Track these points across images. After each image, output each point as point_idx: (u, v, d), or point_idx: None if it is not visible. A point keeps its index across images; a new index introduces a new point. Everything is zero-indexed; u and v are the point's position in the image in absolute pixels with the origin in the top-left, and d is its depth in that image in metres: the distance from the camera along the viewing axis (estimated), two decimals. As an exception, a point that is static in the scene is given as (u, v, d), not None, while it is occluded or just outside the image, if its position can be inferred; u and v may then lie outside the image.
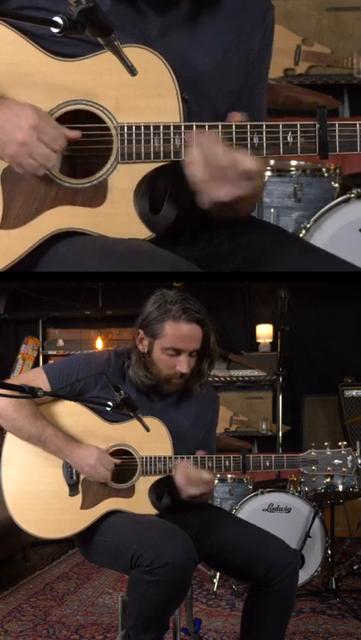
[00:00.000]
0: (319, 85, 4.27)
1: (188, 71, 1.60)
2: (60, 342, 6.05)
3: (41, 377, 1.99)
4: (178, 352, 1.95)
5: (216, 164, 1.51)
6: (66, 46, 1.55)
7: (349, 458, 1.94)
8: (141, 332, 1.99)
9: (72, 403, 2.00)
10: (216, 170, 1.52)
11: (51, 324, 6.12)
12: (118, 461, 1.95)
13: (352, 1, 4.30)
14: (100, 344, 5.84)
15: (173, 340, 1.94)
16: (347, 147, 1.56)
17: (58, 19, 1.29)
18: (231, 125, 1.56)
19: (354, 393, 5.24)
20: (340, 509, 3.60)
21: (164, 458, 1.96)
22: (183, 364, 1.95)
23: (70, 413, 2.00)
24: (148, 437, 1.95)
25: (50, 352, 6.04)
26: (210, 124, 1.55)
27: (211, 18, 1.67)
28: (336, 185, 3.34)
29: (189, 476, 1.92)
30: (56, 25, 1.29)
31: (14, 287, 5.85)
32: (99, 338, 5.91)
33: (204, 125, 1.55)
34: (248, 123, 1.56)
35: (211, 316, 2.01)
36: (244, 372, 5.39)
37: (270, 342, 5.64)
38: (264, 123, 1.56)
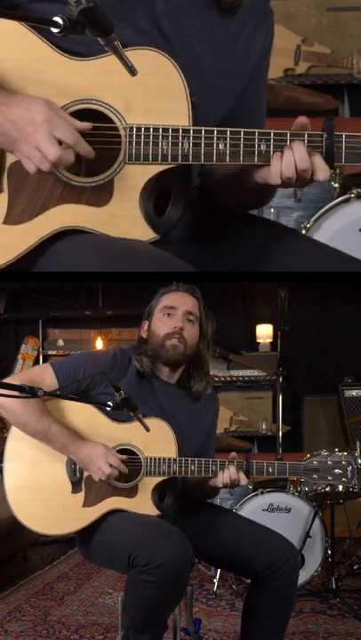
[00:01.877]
0: (319, 85, 4.27)
1: (192, 68, 1.61)
2: (60, 342, 6.05)
3: (48, 372, 2.00)
4: (173, 310, 2.05)
5: (298, 166, 1.54)
6: (79, 44, 1.55)
7: (349, 468, 1.97)
8: (146, 321, 2.10)
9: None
10: (293, 170, 1.55)
11: (51, 324, 6.13)
12: (124, 457, 1.95)
13: (352, 1, 4.31)
14: (100, 344, 5.85)
15: (167, 302, 2.07)
16: (352, 158, 1.56)
17: (58, 19, 1.29)
18: (239, 132, 1.56)
19: (354, 393, 5.24)
20: (340, 509, 3.60)
21: (169, 459, 1.96)
22: (178, 320, 2.05)
23: (77, 411, 2.00)
24: (154, 438, 1.95)
25: (50, 352, 6.06)
26: (218, 129, 1.56)
27: (214, 16, 1.68)
28: (336, 185, 3.34)
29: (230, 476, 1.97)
30: (56, 25, 1.29)
31: (14, 287, 5.85)
32: (99, 338, 5.91)
33: (213, 130, 1.55)
34: (256, 130, 1.56)
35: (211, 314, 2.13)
36: (244, 371, 5.39)
37: (270, 342, 5.65)
38: (272, 130, 1.56)
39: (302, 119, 1.57)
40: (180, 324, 2.04)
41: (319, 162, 1.54)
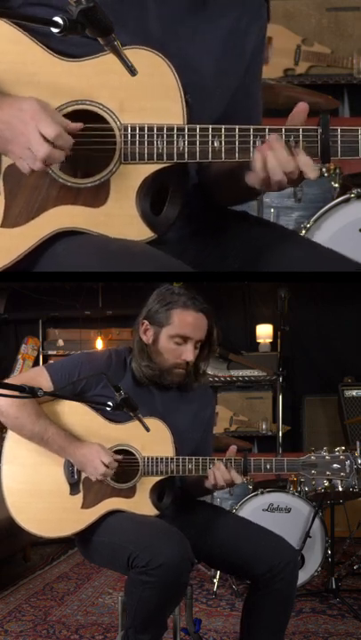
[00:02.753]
0: (319, 85, 4.27)
1: (188, 68, 1.61)
2: (60, 342, 6.05)
3: (43, 375, 1.99)
4: (185, 340, 1.97)
5: (283, 169, 1.53)
6: (72, 46, 1.55)
7: (348, 463, 1.97)
8: (146, 322, 2.02)
9: (74, 402, 2.00)
10: (281, 173, 1.53)
11: (51, 324, 6.13)
12: (120, 457, 1.95)
13: (352, 1, 4.31)
14: (100, 344, 5.85)
15: (181, 328, 1.97)
16: (348, 152, 1.56)
17: (58, 19, 1.29)
18: (234, 128, 1.56)
19: (354, 393, 5.24)
20: (341, 509, 3.60)
21: (166, 459, 1.96)
22: (189, 353, 1.98)
23: (73, 413, 2.00)
24: (151, 438, 1.95)
25: (50, 352, 6.05)
26: (213, 126, 1.56)
27: (207, 14, 1.68)
28: (336, 185, 3.35)
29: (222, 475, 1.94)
30: (56, 25, 1.29)
31: (14, 287, 5.85)
32: (99, 338, 5.91)
33: (208, 128, 1.55)
34: (251, 126, 1.56)
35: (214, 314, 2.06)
36: (244, 371, 5.38)
37: (270, 342, 5.64)
38: (267, 127, 1.56)
39: (303, 105, 1.57)
40: (191, 357, 1.98)
41: (304, 159, 1.53)
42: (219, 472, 1.93)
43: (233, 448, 1.99)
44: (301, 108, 1.56)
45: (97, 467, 1.91)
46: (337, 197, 3.19)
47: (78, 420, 2.00)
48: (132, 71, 1.40)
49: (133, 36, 1.57)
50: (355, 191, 3.11)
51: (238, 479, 1.94)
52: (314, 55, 4.31)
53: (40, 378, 1.98)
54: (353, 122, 4.33)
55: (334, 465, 1.97)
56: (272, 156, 1.52)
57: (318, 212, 3.14)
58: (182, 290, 1.99)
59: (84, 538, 2.00)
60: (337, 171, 3.34)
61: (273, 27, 4.11)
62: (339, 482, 3.20)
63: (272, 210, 3.37)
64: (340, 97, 4.37)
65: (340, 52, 4.31)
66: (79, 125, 1.53)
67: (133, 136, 1.55)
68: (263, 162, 1.53)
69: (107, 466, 1.91)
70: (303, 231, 3.12)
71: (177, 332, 1.97)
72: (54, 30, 1.30)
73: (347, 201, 3.12)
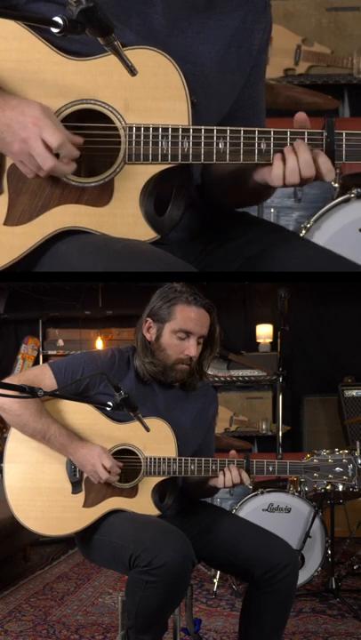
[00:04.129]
0: (319, 85, 4.28)
1: (194, 64, 1.61)
2: (60, 342, 6.06)
3: (47, 373, 1.99)
4: (187, 335, 1.98)
5: (303, 174, 1.54)
6: (78, 44, 1.55)
7: (350, 466, 1.96)
8: (150, 319, 2.02)
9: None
10: (298, 177, 1.55)
11: (51, 324, 6.13)
12: (121, 464, 1.95)
13: (352, 1, 4.31)
14: (100, 344, 5.85)
15: (184, 323, 1.98)
16: (352, 156, 1.57)
17: (58, 19, 1.29)
18: (239, 130, 1.56)
19: (354, 393, 5.25)
20: (341, 509, 3.60)
21: (169, 459, 1.96)
22: (192, 348, 1.98)
23: (76, 411, 2.00)
24: (153, 438, 1.95)
25: (50, 352, 6.06)
26: (218, 127, 1.56)
27: (213, 12, 1.68)
28: (336, 185, 3.35)
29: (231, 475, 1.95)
30: (56, 25, 1.29)
31: (14, 287, 5.85)
32: (99, 338, 5.91)
33: (213, 129, 1.55)
34: (256, 129, 1.56)
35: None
36: (244, 371, 5.38)
37: (270, 342, 5.65)
38: (272, 129, 1.56)
39: (301, 115, 1.57)
40: (194, 352, 1.98)
41: (326, 164, 1.54)
42: (230, 476, 1.94)
43: (233, 453, 2.00)
44: (300, 120, 1.57)
45: (98, 471, 1.91)
46: (337, 197, 3.19)
47: (81, 418, 1.99)
48: (131, 71, 1.40)
49: (137, 31, 1.57)
50: (355, 191, 3.11)
51: (247, 480, 1.96)
52: (314, 55, 4.31)
53: (43, 375, 1.98)
54: (353, 122, 4.33)
55: (337, 468, 1.96)
56: (294, 159, 1.54)
57: (318, 212, 3.14)
58: (184, 287, 2.00)
59: (85, 537, 2.00)
60: (337, 171, 3.34)
61: (273, 27, 4.09)
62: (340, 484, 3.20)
63: (272, 210, 3.37)
64: (340, 97, 4.38)
65: (340, 51, 4.31)
66: (80, 140, 1.53)
67: (138, 136, 1.55)
68: (283, 168, 1.54)
69: (108, 470, 1.91)
70: (303, 231, 3.12)
71: (180, 326, 1.98)
72: (54, 30, 1.30)
73: (347, 201, 3.13)
